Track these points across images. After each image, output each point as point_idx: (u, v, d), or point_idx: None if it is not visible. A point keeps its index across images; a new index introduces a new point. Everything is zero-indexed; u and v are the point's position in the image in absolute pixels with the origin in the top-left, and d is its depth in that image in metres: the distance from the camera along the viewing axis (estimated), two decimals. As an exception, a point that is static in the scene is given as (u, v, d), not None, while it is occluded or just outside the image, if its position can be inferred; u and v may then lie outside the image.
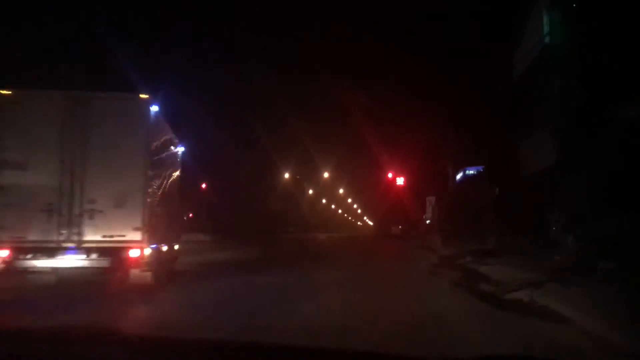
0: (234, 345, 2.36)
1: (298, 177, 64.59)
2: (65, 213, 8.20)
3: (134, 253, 8.16)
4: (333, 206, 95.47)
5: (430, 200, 34.93)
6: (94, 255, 8.17)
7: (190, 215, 55.77)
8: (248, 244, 30.00)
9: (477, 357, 1.97)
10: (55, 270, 8.24)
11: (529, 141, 17.44)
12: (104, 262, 8.15)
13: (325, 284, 10.24)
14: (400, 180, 43.36)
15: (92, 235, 8.20)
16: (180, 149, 11.26)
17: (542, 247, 15.05)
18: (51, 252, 8.11)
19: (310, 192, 75.62)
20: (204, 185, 41.91)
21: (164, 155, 9.69)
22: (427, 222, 38.33)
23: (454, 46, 23.38)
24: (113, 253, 8.17)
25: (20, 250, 8.02)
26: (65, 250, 8.16)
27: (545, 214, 15.97)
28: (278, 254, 22.41)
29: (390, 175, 43.41)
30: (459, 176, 30.25)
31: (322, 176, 66.13)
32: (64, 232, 8.17)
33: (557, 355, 4.88)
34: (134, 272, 8.33)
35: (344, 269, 13.98)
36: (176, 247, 11.35)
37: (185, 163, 11.89)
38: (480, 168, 27.09)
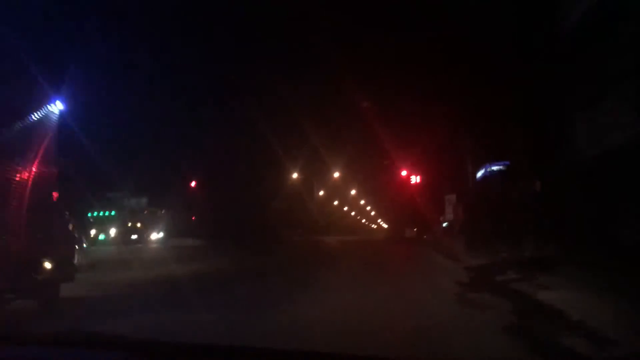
0: (228, 349, 2.41)
1: (307, 177, 60.67)
2: None
3: None
4: (346, 208, 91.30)
5: (450, 199, 30.04)
6: None
7: (193, 217, 52.36)
8: (239, 250, 26.15)
9: None
10: None
11: (584, 114, 13.12)
12: None
13: (288, 337, 5.92)
14: (414, 179, 39.80)
15: None
16: (54, 109, 6.92)
17: (611, 255, 10.80)
18: None
19: (321, 193, 71.72)
20: (193, 184, 38.09)
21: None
22: (444, 224, 33.39)
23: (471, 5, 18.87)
24: None
25: None
26: None
27: (615, 210, 11.61)
28: (261, 265, 18.14)
29: (404, 173, 39.85)
30: (479, 173, 26.02)
31: (333, 176, 62.31)
32: None
33: None
34: None
35: (335, 292, 9.71)
36: (47, 265, 7.10)
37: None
38: (508, 162, 22.98)
